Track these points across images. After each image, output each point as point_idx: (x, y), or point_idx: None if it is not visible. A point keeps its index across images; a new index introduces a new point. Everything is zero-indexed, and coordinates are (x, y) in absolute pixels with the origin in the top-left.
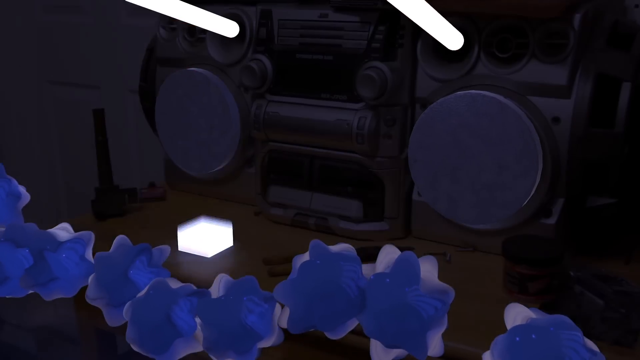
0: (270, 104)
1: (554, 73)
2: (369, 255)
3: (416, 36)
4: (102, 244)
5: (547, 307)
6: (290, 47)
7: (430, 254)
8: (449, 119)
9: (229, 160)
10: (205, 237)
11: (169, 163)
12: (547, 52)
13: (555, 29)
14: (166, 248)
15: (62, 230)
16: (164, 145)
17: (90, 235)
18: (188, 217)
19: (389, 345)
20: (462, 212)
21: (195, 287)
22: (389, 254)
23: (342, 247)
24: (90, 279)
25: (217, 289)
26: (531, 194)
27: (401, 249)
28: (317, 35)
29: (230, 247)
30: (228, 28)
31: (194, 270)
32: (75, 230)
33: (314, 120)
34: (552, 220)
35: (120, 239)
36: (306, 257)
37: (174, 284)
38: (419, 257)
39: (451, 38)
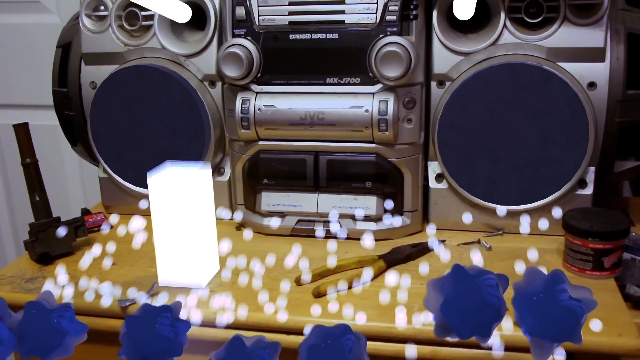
0: (260, 97)
1: (590, 36)
2: (408, 256)
3: (429, 6)
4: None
5: (618, 280)
6: (279, 27)
7: (465, 243)
8: (486, 94)
9: None
10: (188, 262)
11: (107, 182)
12: (579, 14)
13: None
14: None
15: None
16: (105, 162)
17: None
18: (149, 243)
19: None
20: (504, 193)
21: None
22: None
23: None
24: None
25: None
26: (581, 165)
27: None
28: (310, 11)
29: (218, 270)
30: (179, 11)
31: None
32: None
33: (323, 111)
34: (588, 191)
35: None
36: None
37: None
38: (449, 248)
39: (464, 6)
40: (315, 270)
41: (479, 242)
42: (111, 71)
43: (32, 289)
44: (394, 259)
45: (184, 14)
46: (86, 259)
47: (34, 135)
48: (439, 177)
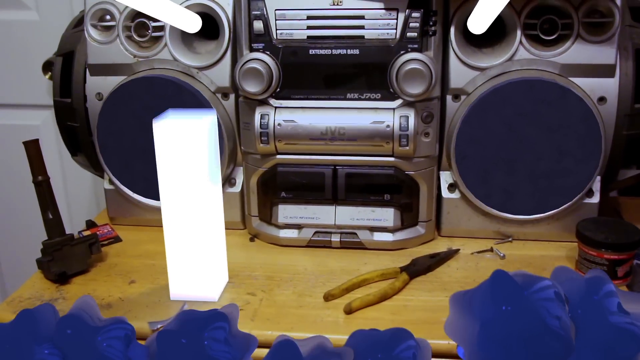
0: (280, 111)
1: (601, 53)
2: (428, 267)
3: (446, 22)
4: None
5: (630, 287)
6: (297, 42)
7: (478, 252)
8: (503, 109)
9: None
10: (197, 275)
11: (113, 193)
12: (592, 31)
13: (598, 6)
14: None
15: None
16: (113, 174)
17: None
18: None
19: None
20: (519, 204)
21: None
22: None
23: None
24: None
25: None
26: (594, 177)
27: (450, 252)
28: (329, 26)
29: (227, 281)
30: (188, 21)
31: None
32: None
33: (344, 126)
34: (595, 199)
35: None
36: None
37: None
38: (463, 256)
39: (479, 21)
40: (342, 285)
41: (491, 250)
42: (119, 82)
43: None
44: (415, 271)
45: (193, 24)
46: (104, 278)
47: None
48: (451, 187)
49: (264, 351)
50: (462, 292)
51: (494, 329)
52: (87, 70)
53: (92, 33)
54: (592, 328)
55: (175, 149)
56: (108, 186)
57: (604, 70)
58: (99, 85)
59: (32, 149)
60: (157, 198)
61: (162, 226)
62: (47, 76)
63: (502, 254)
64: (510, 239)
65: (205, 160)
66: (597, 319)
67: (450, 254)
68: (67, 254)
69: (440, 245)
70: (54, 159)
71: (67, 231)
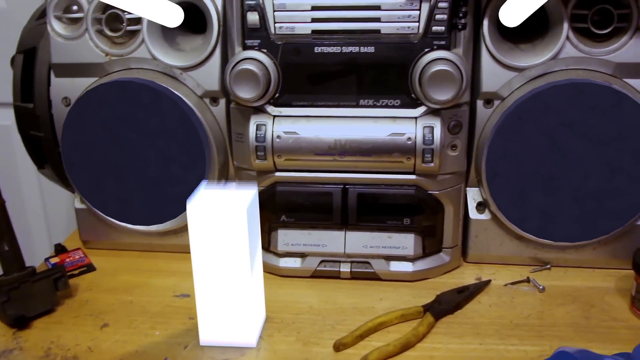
0: (279, 121)
1: None
2: (456, 305)
3: (478, 13)
4: None
5: None
6: (300, 37)
7: (513, 283)
8: (545, 117)
9: None
10: (233, 316)
11: (85, 213)
12: None
13: None
14: None
15: None
16: (82, 193)
17: None
18: (148, 291)
19: None
20: (560, 229)
21: None
22: None
23: None
24: None
25: None
26: None
27: (480, 285)
28: (339, 18)
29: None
30: (168, 14)
31: None
32: None
33: (356, 139)
34: None
35: None
36: None
37: None
38: (495, 289)
39: (513, 11)
40: (355, 332)
41: (528, 281)
42: (88, 85)
43: None
44: (441, 310)
45: (174, 17)
46: (71, 320)
47: None
48: (480, 206)
49: None
50: None
51: None
52: (51, 70)
53: (55, 27)
54: None
55: (212, 230)
56: (79, 205)
57: None
58: (66, 89)
59: None
60: (132, 221)
61: (140, 250)
62: None
63: (541, 286)
64: (548, 267)
65: (244, 240)
66: None
67: (481, 287)
68: (26, 293)
69: (467, 275)
70: (29, 165)
71: (45, 252)
